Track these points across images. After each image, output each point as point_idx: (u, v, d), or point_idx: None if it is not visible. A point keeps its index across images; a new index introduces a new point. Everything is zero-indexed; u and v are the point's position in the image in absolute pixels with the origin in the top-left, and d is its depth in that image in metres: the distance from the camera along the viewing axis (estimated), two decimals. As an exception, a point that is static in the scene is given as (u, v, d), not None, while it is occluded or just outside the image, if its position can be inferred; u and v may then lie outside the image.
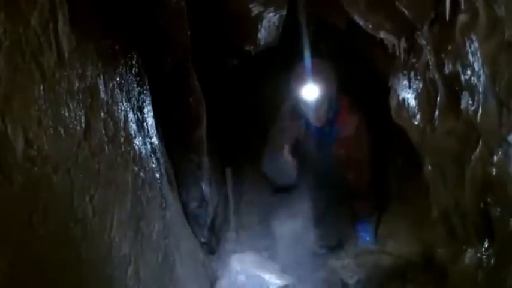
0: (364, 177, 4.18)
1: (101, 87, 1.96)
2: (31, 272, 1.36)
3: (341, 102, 4.08)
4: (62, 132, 1.58)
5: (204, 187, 3.39)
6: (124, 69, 2.34)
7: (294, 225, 4.45)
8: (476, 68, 2.07)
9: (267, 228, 4.52)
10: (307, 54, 4.05)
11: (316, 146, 4.26)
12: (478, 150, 2.30)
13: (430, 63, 2.67)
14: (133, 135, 2.30)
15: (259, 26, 3.61)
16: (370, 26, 2.91)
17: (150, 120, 2.68)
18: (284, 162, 4.31)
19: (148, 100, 2.71)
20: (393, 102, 3.49)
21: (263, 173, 4.69)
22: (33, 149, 1.39)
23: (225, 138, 4.76)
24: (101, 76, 1.99)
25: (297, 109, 4.08)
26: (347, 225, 4.40)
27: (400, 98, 3.31)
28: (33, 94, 1.43)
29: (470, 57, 2.12)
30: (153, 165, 2.59)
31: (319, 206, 4.44)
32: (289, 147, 4.30)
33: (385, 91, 3.66)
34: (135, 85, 2.50)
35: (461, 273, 2.65)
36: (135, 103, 2.45)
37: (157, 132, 2.85)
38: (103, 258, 1.83)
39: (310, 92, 3.85)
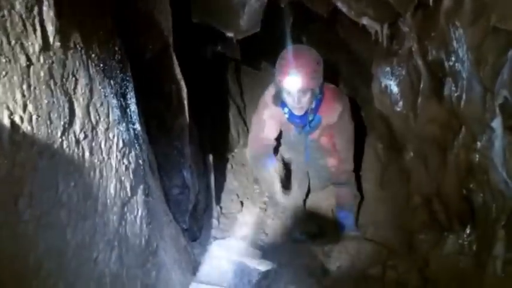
0: (347, 163, 4.19)
1: (84, 73, 1.95)
2: (16, 255, 1.37)
3: (325, 90, 4.06)
4: (47, 117, 1.58)
5: (185, 174, 3.39)
6: (107, 55, 2.33)
7: (275, 212, 4.49)
8: (461, 54, 2.09)
9: (248, 216, 4.54)
10: (289, 42, 4.04)
11: (300, 133, 4.27)
12: (460, 136, 2.32)
13: (413, 50, 2.69)
14: (117, 121, 2.30)
15: (241, 12, 3.60)
16: (352, 12, 2.92)
17: (132, 107, 2.67)
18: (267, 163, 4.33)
19: (130, 87, 2.70)
20: (376, 89, 3.51)
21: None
22: (19, 133, 1.38)
23: (207, 126, 4.76)
24: (85, 62, 1.98)
25: (279, 96, 4.04)
26: (328, 212, 4.43)
27: (383, 85, 3.33)
28: (19, 78, 1.42)
29: (454, 43, 2.13)
30: (136, 152, 2.58)
31: (300, 193, 4.48)
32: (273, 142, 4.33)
33: (368, 78, 3.67)
34: (117, 71, 2.49)
35: (443, 259, 2.68)
36: (118, 89, 2.44)
37: (140, 119, 2.84)
38: (87, 243, 1.84)
39: (294, 81, 3.79)
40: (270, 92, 4.11)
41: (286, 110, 3.97)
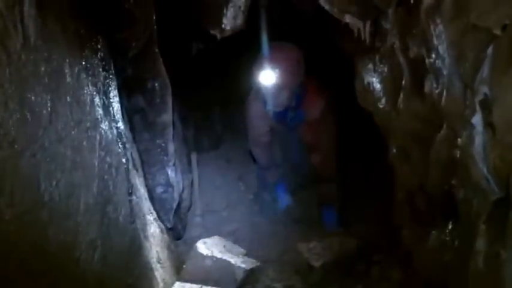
0: (330, 160, 4.21)
1: (66, 71, 1.95)
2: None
3: (308, 86, 4.08)
4: (28, 116, 1.57)
5: (169, 172, 3.39)
6: (89, 53, 2.32)
7: (260, 210, 4.50)
8: (441, 51, 2.10)
9: (233, 213, 4.55)
10: (273, 39, 4.04)
11: (283, 130, 4.28)
12: (442, 132, 2.34)
13: (395, 47, 2.70)
14: (99, 119, 2.29)
15: (225, 9, 3.59)
16: (335, 10, 2.92)
17: (115, 105, 2.66)
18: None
19: (113, 84, 2.69)
20: (359, 86, 3.52)
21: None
22: (-1, 132, 1.38)
23: (191, 123, 4.76)
24: (67, 60, 1.97)
25: (261, 93, 4.08)
26: (313, 208, 4.44)
27: (366, 81, 3.34)
28: (0, 77, 1.41)
29: (435, 40, 2.14)
30: (119, 150, 2.58)
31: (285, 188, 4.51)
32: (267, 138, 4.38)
33: (351, 75, 3.68)
34: (100, 69, 2.48)
35: (426, 254, 2.70)
36: (101, 87, 2.43)
37: (123, 117, 2.83)
38: (70, 242, 1.83)
39: (269, 77, 3.82)
40: (253, 93, 4.17)
41: (268, 106, 4.02)
